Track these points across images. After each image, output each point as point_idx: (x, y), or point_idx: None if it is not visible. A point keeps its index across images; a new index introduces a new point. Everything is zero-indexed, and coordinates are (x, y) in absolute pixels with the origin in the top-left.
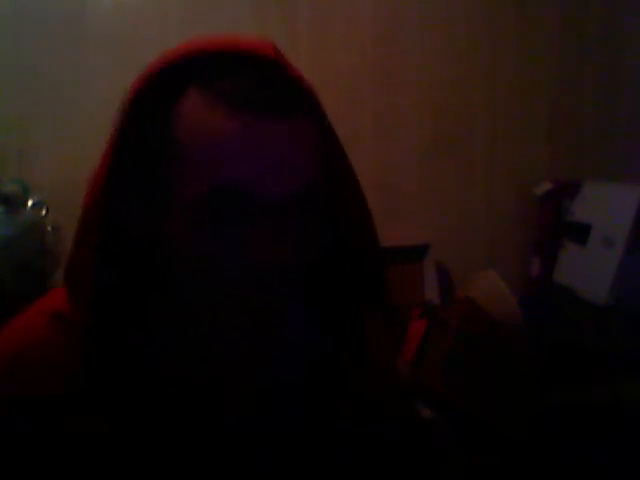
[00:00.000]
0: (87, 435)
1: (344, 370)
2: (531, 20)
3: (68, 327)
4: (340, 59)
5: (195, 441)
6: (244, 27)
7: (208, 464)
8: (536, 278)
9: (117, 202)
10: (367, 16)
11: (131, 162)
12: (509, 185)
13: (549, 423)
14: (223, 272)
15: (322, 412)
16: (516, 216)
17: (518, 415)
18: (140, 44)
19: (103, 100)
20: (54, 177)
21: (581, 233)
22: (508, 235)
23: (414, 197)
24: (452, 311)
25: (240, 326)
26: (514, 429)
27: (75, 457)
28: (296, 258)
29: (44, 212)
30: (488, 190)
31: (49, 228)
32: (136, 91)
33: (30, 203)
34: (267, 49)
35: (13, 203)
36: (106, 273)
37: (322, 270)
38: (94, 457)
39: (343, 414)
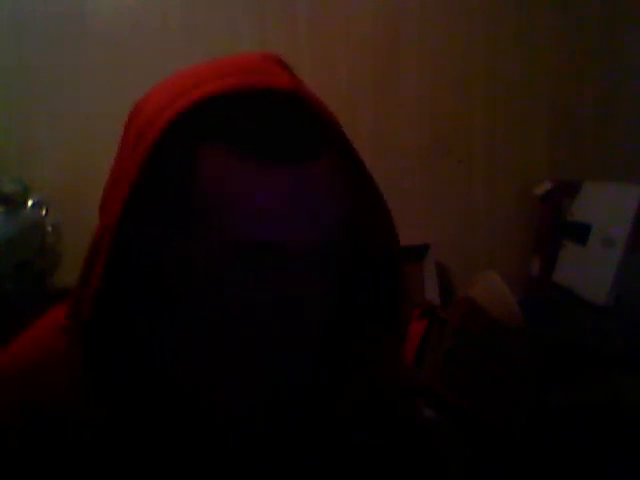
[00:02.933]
0: (93, 444)
1: (347, 372)
2: (531, 20)
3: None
4: (340, 59)
5: (196, 448)
6: (244, 27)
7: (210, 470)
8: (536, 278)
9: (133, 234)
10: (367, 16)
11: (150, 200)
12: (509, 185)
13: (549, 423)
14: (256, 320)
15: (323, 414)
16: (516, 216)
17: (518, 415)
18: (140, 44)
19: (103, 100)
20: (54, 177)
21: (581, 233)
22: (508, 235)
23: (414, 197)
24: (452, 311)
25: (259, 354)
26: (514, 429)
27: (81, 465)
28: (327, 300)
29: (44, 212)
30: (488, 190)
31: (49, 228)
32: (154, 140)
33: (30, 203)
34: (286, 83)
35: (13, 203)
36: (111, 301)
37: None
38: (99, 466)
39: (344, 415)
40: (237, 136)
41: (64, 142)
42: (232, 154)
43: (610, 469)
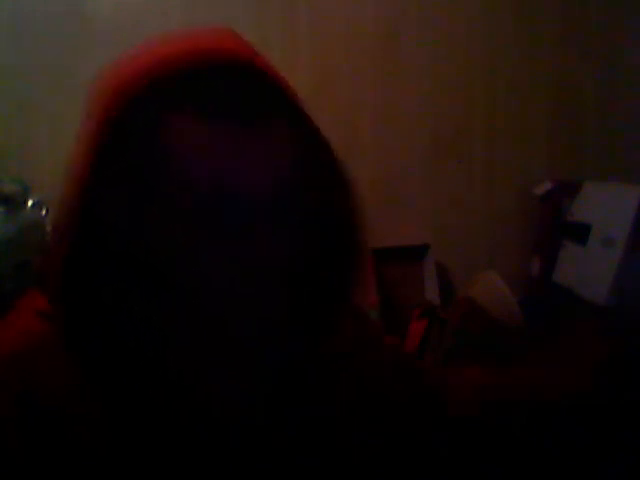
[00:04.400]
0: (88, 434)
1: (339, 367)
2: (531, 20)
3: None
4: (340, 59)
5: (191, 440)
6: (244, 27)
7: (207, 465)
8: (536, 278)
9: (99, 204)
10: (367, 16)
11: (114, 166)
12: (509, 185)
13: (549, 423)
14: (218, 273)
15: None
16: (516, 216)
17: (518, 415)
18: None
19: None
20: (54, 177)
21: (581, 233)
22: (508, 235)
23: (414, 197)
24: (452, 311)
25: (235, 323)
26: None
27: (77, 457)
28: (285, 254)
29: (44, 212)
30: (488, 190)
31: (49, 228)
32: (119, 105)
33: (30, 203)
34: (236, 50)
35: (13, 203)
36: (81, 274)
37: (306, 268)
38: (95, 459)
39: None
40: (194, 99)
41: (64, 142)
42: (188, 116)
43: (610, 469)
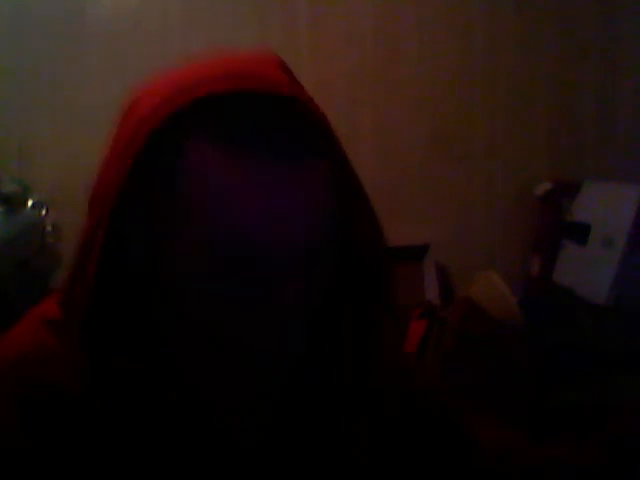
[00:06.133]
0: (89, 434)
1: (350, 371)
2: (531, 20)
3: (62, 333)
4: (340, 59)
5: (193, 445)
6: (244, 27)
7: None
8: (536, 278)
9: (123, 231)
10: (367, 16)
11: (140, 196)
12: (509, 185)
13: (549, 423)
14: (235, 319)
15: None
16: (516, 216)
17: (518, 415)
18: (140, 44)
19: (103, 100)
20: (54, 177)
21: (581, 233)
22: (508, 235)
23: (414, 197)
24: (452, 311)
25: (254, 357)
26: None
27: (77, 456)
28: (311, 301)
29: (44, 212)
30: (488, 190)
31: (49, 228)
32: (145, 135)
33: (30, 203)
34: (279, 81)
35: (13, 203)
36: (102, 298)
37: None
38: (95, 458)
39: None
40: (225, 132)
41: (64, 142)
42: (220, 153)
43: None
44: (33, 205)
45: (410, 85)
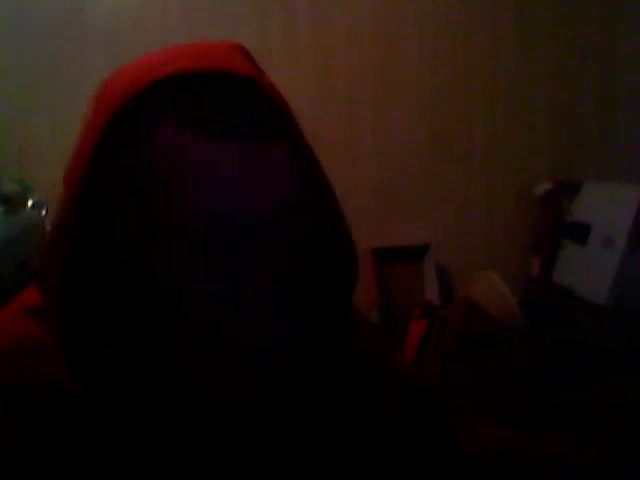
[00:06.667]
0: (87, 433)
1: (334, 367)
2: (531, 20)
3: (45, 321)
4: (340, 59)
5: (193, 445)
6: (244, 27)
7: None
8: (536, 278)
9: (93, 214)
10: (367, 16)
11: (107, 178)
12: (509, 185)
13: (549, 423)
14: (208, 289)
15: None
16: (516, 216)
17: (518, 415)
18: (140, 44)
19: None
20: (54, 177)
21: (581, 233)
22: (508, 235)
23: (414, 197)
24: (452, 311)
25: (235, 335)
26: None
27: (75, 455)
28: (278, 271)
29: (44, 212)
30: (488, 190)
31: (49, 228)
32: (112, 113)
33: (30, 203)
34: (239, 64)
35: (13, 203)
36: (77, 279)
37: (303, 276)
38: (94, 457)
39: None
40: (193, 113)
41: (64, 142)
42: (187, 129)
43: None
44: (33, 205)
45: (410, 85)
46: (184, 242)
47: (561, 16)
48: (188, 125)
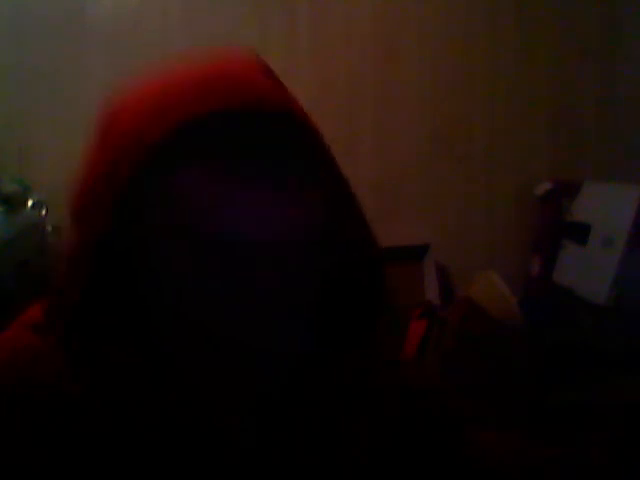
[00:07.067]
0: (87, 434)
1: (347, 373)
2: (531, 20)
3: (46, 334)
4: (340, 59)
5: (193, 445)
6: (244, 27)
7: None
8: (536, 278)
9: (117, 243)
10: (367, 16)
11: (129, 216)
12: (509, 185)
13: (549, 423)
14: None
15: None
16: (516, 216)
17: (518, 415)
18: (140, 44)
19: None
20: (54, 177)
21: (581, 233)
22: (508, 235)
23: (414, 197)
24: (452, 311)
25: (227, 339)
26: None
27: (76, 457)
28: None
29: (44, 212)
30: (488, 190)
31: (49, 228)
32: (136, 162)
33: (30, 203)
34: (270, 95)
35: (13, 203)
36: (91, 305)
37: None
38: (94, 458)
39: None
40: (219, 152)
41: (64, 142)
42: (214, 168)
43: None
44: (33, 205)
45: (410, 85)
46: (204, 277)
47: (561, 16)
48: (217, 166)
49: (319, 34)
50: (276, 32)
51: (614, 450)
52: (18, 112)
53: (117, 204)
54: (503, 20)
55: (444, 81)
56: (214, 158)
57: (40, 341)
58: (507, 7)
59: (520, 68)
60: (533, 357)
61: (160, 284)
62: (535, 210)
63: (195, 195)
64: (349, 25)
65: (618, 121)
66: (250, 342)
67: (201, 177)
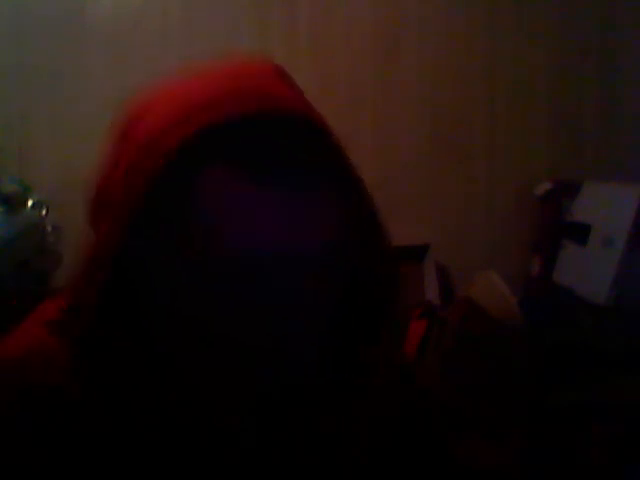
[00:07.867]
0: (89, 434)
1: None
2: (531, 19)
3: (62, 334)
4: (340, 59)
5: (193, 445)
6: (244, 27)
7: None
8: (536, 278)
9: (132, 249)
10: (367, 16)
11: (152, 217)
12: (509, 185)
13: (549, 423)
14: (258, 331)
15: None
16: (516, 216)
17: (518, 415)
18: (140, 44)
19: (103, 99)
20: (54, 177)
21: (581, 233)
22: (508, 235)
23: (414, 197)
24: (452, 311)
25: (227, 339)
26: (514, 429)
27: (78, 457)
28: (323, 312)
29: (44, 212)
30: (488, 190)
31: (49, 228)
32: (160, 166)
33: (30, 203)
34: (291, 101)
35: (13, 203)
36: (108, 304)
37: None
38: (95, 458)
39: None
40: (239, 158)
41: (64, 142)
42: (233, 175)
43: (609, 468)
44: (33, 205)
45: (410, 85)
46: (227, 287)
47: (561, 16)
48: (237, 172)
49: (319, 34)
50: (276, 32)
51: (614, 450)
52: (18, 112)
53: (133, 211)
54: (503, 20)
55: (444, 81)
56: (233, 163)
57: (56, 343)
58: (507, 7)
59: (520, 68)
60: (533, 357)
61: (175, 290)
62: (535, 210)
63: (215, 199)
64: (349, 25)
65: (618, 121)
66: (260, 346)
67: (221, 182)
